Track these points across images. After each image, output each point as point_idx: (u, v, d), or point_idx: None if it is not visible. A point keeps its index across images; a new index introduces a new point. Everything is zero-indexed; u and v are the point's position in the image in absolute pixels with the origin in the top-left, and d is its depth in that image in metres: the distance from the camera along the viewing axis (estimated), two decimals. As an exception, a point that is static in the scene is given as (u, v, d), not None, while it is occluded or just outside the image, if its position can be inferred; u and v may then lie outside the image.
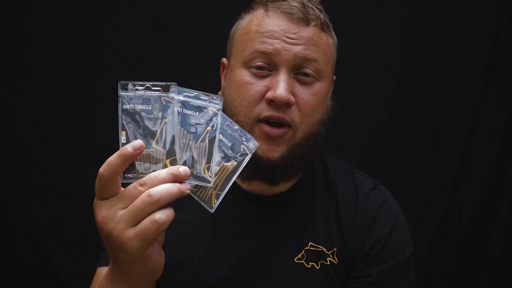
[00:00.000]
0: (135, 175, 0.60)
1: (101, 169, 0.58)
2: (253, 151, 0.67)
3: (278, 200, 0.89)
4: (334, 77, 0.94)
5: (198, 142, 0.64)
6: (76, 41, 1.31)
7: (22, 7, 1.29)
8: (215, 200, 0.65)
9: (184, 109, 0.63)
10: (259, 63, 0.82)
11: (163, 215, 0.58)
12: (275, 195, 0.89)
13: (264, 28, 0.83)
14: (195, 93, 0.64)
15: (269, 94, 0.80)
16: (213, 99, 0.65)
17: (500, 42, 1.36)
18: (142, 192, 0.57)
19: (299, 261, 0.86)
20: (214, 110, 0.65)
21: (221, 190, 0.65)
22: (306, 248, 0.87)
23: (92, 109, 1.34)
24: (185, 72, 1.33)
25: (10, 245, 1.34)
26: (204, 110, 0.64)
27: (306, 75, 0.83)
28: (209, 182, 0.63)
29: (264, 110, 0.80)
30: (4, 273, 1.34)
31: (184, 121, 0.63)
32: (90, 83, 1.33)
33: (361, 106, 1.38)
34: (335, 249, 0.86)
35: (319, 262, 0.86)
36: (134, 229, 0.57)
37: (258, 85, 0.82)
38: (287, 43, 0.81)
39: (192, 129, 0.64)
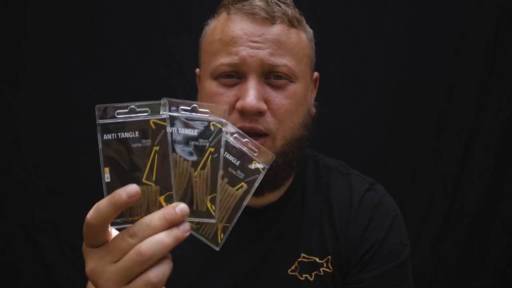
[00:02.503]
0: (124, 219, 0.52)
1: (88, 216, 0.51)
2: (267, 168, 0.57)
3: (269, 211, 0.86)
4: (316, 74, 0.89)
5: (198, 169, 0.54)
6: (76, 41, 1.31)
7: (22, 6, 1.29)
8: (222, 235, 0.56)
9: (179, 128, 0.53)
10: (227, 72, 0.78)
11: (159, 273, 0.51)
12: (266, 206, 0.86)
13: (227, 36, 0.78)
14: (194, 104, 0.54)
15: (238, 104, 0.75)
16: (215, 110, 0.55)
17: (500, 43, 1.36)
18: (132, 245, 0.50)
19: (293, 273, 0.84)
20: (218, 125, 0.55)
21: (229, 222, 0.56)
22: (299, 259, 0.85)
23: (92, 109, 1.33)
24: (184, 72, 1.33)
25: (7, 246, 1.33)
26: (205, 127, 0.54)
27: (279, 77, 0.78)
28: (213, 217, 0.54)
29: (236, 121, 0.75)
30: (0, 274, 1.33)
31: (179, 143, 0.53)
32: (90, 83, 1.32)
33: (362, 106, 1.38)
34: (329, 257, 0.84)
35: (313, 273, 0.84)
36: None
37: (228, 95, 0.77)
38: (252, 48, 0.76)
39: (190, 154, 0.54)
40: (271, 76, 0.78)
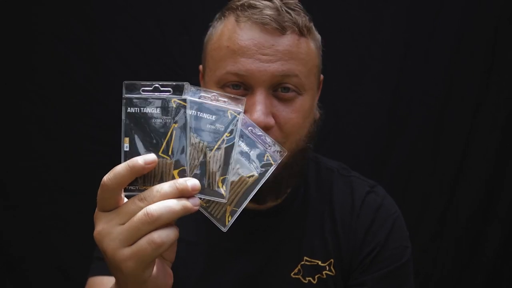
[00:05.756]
0: (137, 187, 0.54)
1: (105, 178, 0.52)
2: (279, 162, 0.59)
3: (272, 215, 0.86)
4: (322, 76, 0.87)
5: (213, 150, 0.56)
6: (76, 41, 1.31)
7: (24, 8, 1.28)
8: (230, 217, 0.57)
9: (198, 112, 0.56)
10: (234, 82, 0.76)
11: (163, 235, 0.51)
12: (268, 210, 0.86)
13: (236, 45, 0.75)
14: (214, 93, 0.57)
15: None
16: (234, 101, 0.57)
17: (499, 43, 1.36)
18: (141, 208, 0.52)
19: (296, 276, 0.85)
20: (234, 113, 0.57)
21: (237, 206, 0.57)
22: (302, 263, 0.85)
23: (92, 109, 1.34)
24: (185, 72, 1.33)
25: (19, 243, 1.34)
26: (222, 113, 0.57)
27: (287, 89, 0.76)
28: (223, 197, 0.56)
29: None
30: (13, 271, 1.34)
31: (197, 126, 0.56)
32: (92, 84, 1.32)
33: (360, 107, 1.38)
34: (332, 260, 0.85)
35: (316, 276, 0.84)
36: (130, 249, 0.52)
37: None
38: (262, 61, 0.73)
39: (206, 136, 0.56)
40: (279, 88, 0.76)
